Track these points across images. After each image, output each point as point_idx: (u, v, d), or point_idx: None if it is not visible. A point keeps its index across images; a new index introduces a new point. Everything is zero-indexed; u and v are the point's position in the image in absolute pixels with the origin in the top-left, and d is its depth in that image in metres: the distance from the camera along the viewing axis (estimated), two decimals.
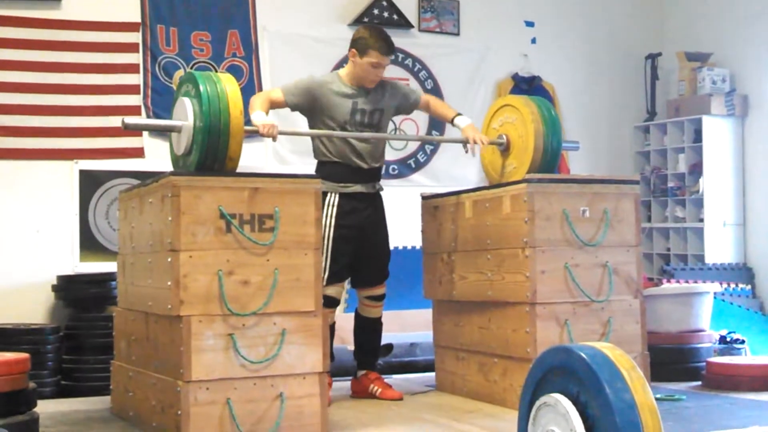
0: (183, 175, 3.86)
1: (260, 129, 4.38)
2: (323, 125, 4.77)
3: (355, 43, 4.77)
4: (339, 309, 7.26)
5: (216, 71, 7.19)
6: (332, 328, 4.82)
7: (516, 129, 4.84)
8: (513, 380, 4.45)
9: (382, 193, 5.00)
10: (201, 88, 3.95)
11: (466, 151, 4.91)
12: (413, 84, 8.19)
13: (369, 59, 4.70)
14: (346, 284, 5.10)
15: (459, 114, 4.99)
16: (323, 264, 4.53)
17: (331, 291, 4.71)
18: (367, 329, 5.04)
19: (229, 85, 4.00)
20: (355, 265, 4.89)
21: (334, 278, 4.75)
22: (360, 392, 4.97)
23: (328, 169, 4.75)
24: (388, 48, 4.74)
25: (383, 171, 5.10)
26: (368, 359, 5.05)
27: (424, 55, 8.34)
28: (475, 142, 4.80)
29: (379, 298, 5.00)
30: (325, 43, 7.98)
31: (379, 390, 4.89)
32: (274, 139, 4.47)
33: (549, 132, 4.73)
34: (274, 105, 4.69)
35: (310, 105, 4.76)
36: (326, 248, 4.68)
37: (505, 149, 4.90)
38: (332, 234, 4.73)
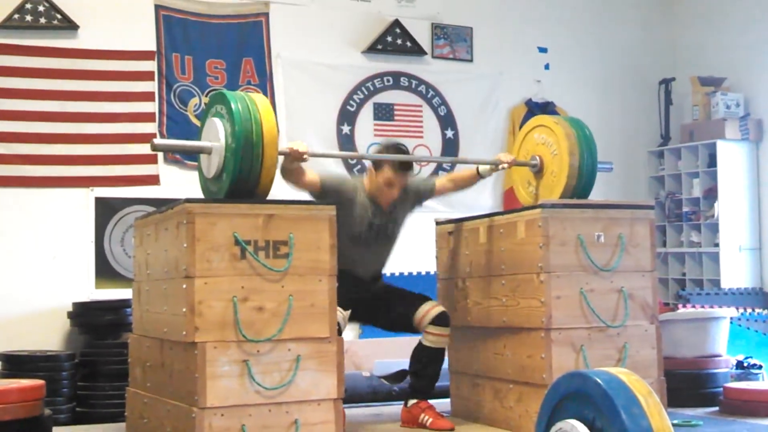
0: (198, 201, 3.87)
1: (291, 149, 4.28)
2: (339, 228, 4.46)
3: (374, 161, 4.76)
4: (354, 335, 7.29)
5: None
6: None
7: (548, 147, 4.80)
8: (528, 406, 4.43)
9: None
10: (233, 106, 3.91)
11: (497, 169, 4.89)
12: (426, 110, 8.22)
13: (383, 176, 4.66)
14: (347, 316, 4.65)
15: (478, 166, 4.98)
16: None
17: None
18: (428, 359, 4.80)
19: (261, 104, 3.97)
20: (381, 313, 4.81)
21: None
22: (410, 422, 4.81)
23: None
24: (402, 166, 4.68)
25: None
26: (423, 388, 4.86)
27: (437, 81, 8.37)
28: (505, 162, 4.79)
29: (442, 319, 4.74)
30: (339, 71, 8.02)
31: (430, 420, 4.73)
32: (305, 159, 4.33)
33: (584, 152, 4.69)
34: (308, 184, 4.57)
35: (336, 201, 4.50)
36: None
37: (538, 171, 4.87)
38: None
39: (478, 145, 8.25)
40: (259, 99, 4.02)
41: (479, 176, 4.97)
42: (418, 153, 8.03)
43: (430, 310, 4.76)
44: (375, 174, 4.71)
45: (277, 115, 7.58)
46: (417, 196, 4.95)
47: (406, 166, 4.73)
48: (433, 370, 4.85)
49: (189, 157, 7.36)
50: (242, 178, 3.90)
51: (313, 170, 4.66)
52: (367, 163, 4.77)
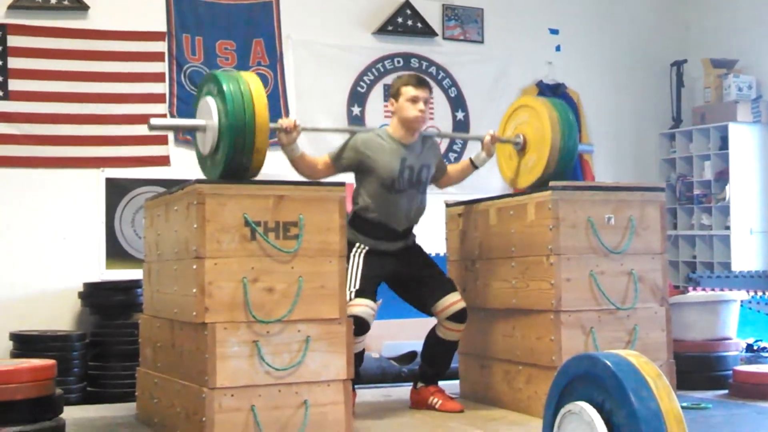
0: (208, 182, 3.88)
1: (281, 124, 4.34)
2: (370, 183, 4.63)
3: (390, 94, 4.75)
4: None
5: None
6: (360, 356, 4.54)
7: (531, 127, 4.85)
8: (537, 388, 4.43)
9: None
10: (224, 86, 3.97)
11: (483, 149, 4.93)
12: (436, 91, 8.19)
13: (404, 97, 4.63)
14: (378, 305, 4.64)
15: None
16: (349, 281, 4.41)
17: (358, 309, 4.39)
18: (441, 349, 4.80)
19: (252, 82, 4.02)
20: (411, 289, 4.76)
21: (363, 294, 4.48)
22: (419, 403, 4.83)
23: (364, 224, 4.64)
24: (418, 80, 4.69)
25: None
26: (433, 376, 4.86)
27: (448, 63, 8.34)
28: (491, 138, 4.87)
29: (460, 317, 4.70)
30: (349, 52, 8.00)
31: (440, 402, 4.75)
32: (296, 130, 4.36)
33: (566, 133, 4.72)
34: (327, 173, 4.62)
35: (358, 164, 4.63)
36: (355, 266, 4.53)
37: (521, 149, 4.90)
38: (362, 261, 4.57)
39: (488, 126, 8.06)
40: (250, 77, 4.09)
41: (473, 166, 5.00)
42: None
43: (452, 305, 4.69)
44: (396, 103, 4.68)
45: (287, 96, 7.66)
46: (440, 164, 4.95)
47: (422, 81, 4.72)
48: (445, 360, 4.85)
49: None
50: (237, 154, 3.95)
51: (322, 157, 4.68)
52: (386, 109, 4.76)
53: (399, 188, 4.63)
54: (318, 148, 7.48)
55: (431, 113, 8.20)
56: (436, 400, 4.77)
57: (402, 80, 4.72)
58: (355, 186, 4.74)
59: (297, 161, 4.53)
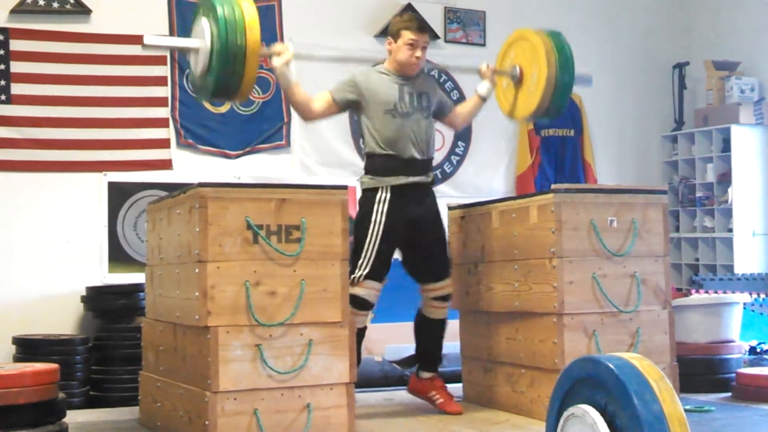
0: (211, 186, 3.88)
1: (274, 48, 4.48)
2: (374, 114, 4.63)
3: (389, 32, 4.75)
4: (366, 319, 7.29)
5: None
6: (361, 332, 4.58)
7: (527, 58, 4.92)
8: (540, 391, 4.43)
9: (434, 189, 4.88)
10: (218, 9, 4.06)
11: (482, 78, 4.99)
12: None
13: (403, 40, 4.63)
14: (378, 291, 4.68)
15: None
16: (362, 260, 4.48)
17: (362, 291, 4.48)
18: (431, 331, 4.83)
19: (246, 7, 4.11)
20: (415, 261, 4.76)
21: (373, 275, 4.51)
22: (420, 391, 4.86)
23: (378, 162, 4.63)
24: (419, 24, 4.69)
25: None
26: (431, 363, 4.88)
27: (449, 65, 8.34)
28: (483, 73, 4.93)
29: (446, 298, 4.79)
30: (351, 55, 8.00)
31: (441, 400, 4.75)
32: (288, 53, 4.46)
33: (562, 63, 4.83)
34: (326, 109, 4.65)
35: (359, 97, 4.65)
36: (371, 243, 4.53)
37: (518, 81, 4.96)
38: (381, 231, 4.55)
39: (491, 128, 8.22)
40: (245, 3, 4.16)
41: (482, 99, 5.00)
42: None
43: (441, 289, 4.76)
44: (394, 43, 4.68)
45: None
46: (442, 100, 4.93)
47: (423, 26, 4.73)
48: (434, 339, 4.87)
49: (202, 142, 7.39)
50: (226, 76, 4.08)
51: (322, 93, 4.69)
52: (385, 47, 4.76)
53: (402, 111, 4.63)
54: (320, 151, 7.53)
55: None
56: (437, 396, 4.77)
57: (403, 22, 4.71)
58: (361, 129, 4.74)
59: (292, 90, 4.55)
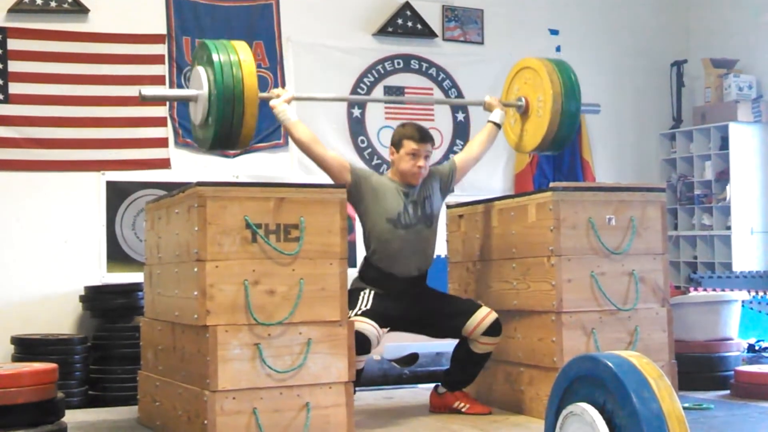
0: (209, 185, 3.88)
1: (274, 92, 4.49)
2: (376, 219, 4.52)
3: (392, 142, 4.68)
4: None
5: None
6: (358, 374, 4.25)
7: (533, 88, 4.90)
8: (539, 389, 4.43)
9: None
10: (214, 57, 4.06)
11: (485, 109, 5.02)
12: (437, 93, 8.21)
13: (405, 150, 4.56)
14: (384, 334, 4.46)
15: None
16: (357, 308, 4.34)
17: (363, 326, 4.23)
18: (473, 361, 4.65)
19: (242, 53, 4.12)
20: (432, 323, 4.62)
21: (370, 316, 4.32)
22: (441, 407, 4.73)
23: (374, 275, 4.54)
24: (421, 135, 4.59)
25: None
26: (459, 385, 4.74)
27: (448, 64, 8.35)
28: (490, 104, 4.95)
29: (496, 329, 4.52)
30: (349, 54, 8.02)
31: (467, 406, 4.65)
32: (287, 95, 4.49)
33: (568, 94, 4.78)
34: (334, 163, 4.52)
35: (366, 194, 4.54)
36: (364, 300, 4.41)
37: (524, 112, 4.96)
38: (371, 298, 4.45)
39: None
40: (240, 46, 4.19)
41: (496, 126, 4.94)
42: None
43: (483, 320, 4.53)
44: (397, 152, 4.60)
45: None
46: (444, 179, 4.77)
47: (425, 135, 4.62)
48: (475, 371, 4.73)
49: None
50: (226, 124, 4.11)
51: (343, 157, 4.67)
52: (389, 157, 4.68)
53: (405, 222, 4.53)
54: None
55: (431, 115, 8.21)
56: (462, 404, 4.67)
57: (405, 131, 4.63)
58: (363, 229, 4.61)
59: (294, 129, 4.49)
